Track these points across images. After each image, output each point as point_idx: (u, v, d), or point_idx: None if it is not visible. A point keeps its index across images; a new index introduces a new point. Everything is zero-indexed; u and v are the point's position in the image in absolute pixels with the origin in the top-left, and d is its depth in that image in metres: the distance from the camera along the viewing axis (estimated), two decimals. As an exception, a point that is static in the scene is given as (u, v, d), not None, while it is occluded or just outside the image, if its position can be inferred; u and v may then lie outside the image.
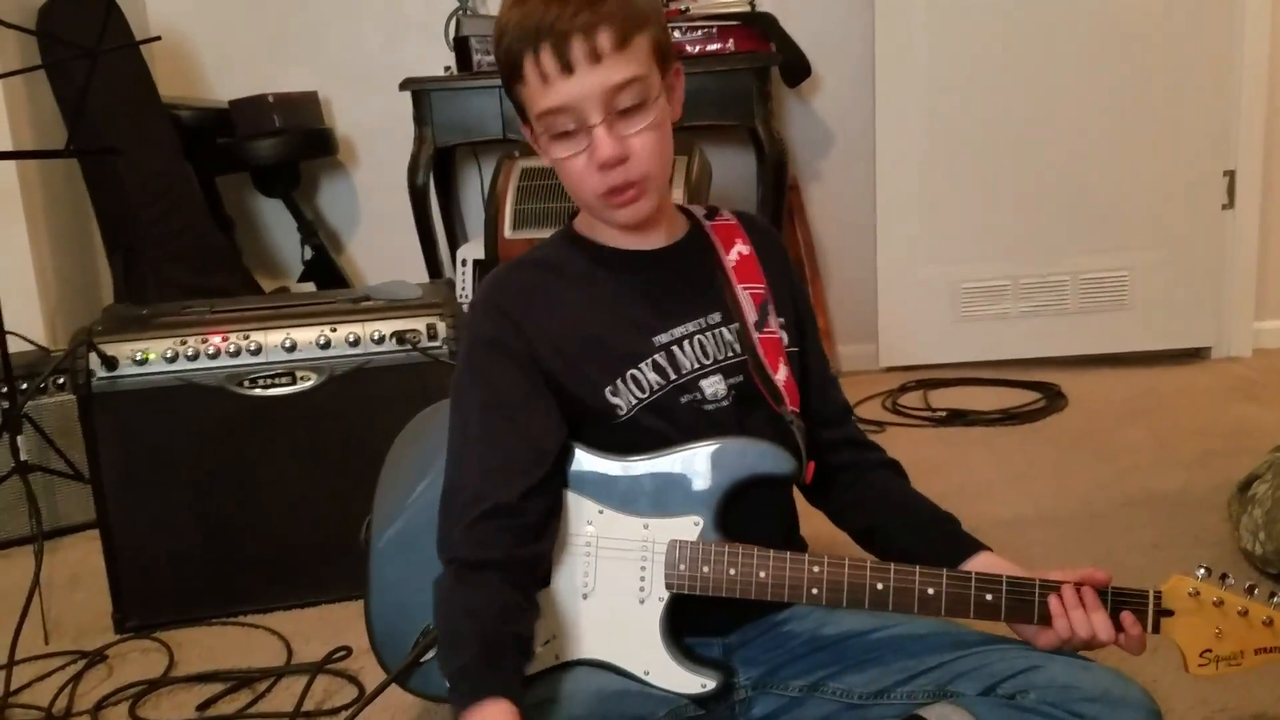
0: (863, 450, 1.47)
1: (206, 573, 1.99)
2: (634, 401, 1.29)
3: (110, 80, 2.91)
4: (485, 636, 1.17)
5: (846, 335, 3.48)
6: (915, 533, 1.37)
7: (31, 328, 2.75)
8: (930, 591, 1.23)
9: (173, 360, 1.93)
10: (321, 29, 3.52)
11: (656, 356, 1.30)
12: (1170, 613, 1.22)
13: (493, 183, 2.91)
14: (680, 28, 3.04)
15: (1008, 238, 3.38)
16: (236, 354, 1.95)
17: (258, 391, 1.97)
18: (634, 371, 1.30)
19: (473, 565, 1.21)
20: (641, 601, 1.27)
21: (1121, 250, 3.36)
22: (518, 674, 1.18)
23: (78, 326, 2.03)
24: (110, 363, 1.91)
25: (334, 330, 1.99)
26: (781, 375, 1.34)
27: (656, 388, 1.30)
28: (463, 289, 3.14)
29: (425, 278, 3.29)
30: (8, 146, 2.81)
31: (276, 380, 1.97)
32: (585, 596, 1.28)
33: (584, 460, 1.30)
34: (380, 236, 3.65)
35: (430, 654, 1.33)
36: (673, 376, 1.30)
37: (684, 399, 1.31)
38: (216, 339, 1.95)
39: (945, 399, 3.16)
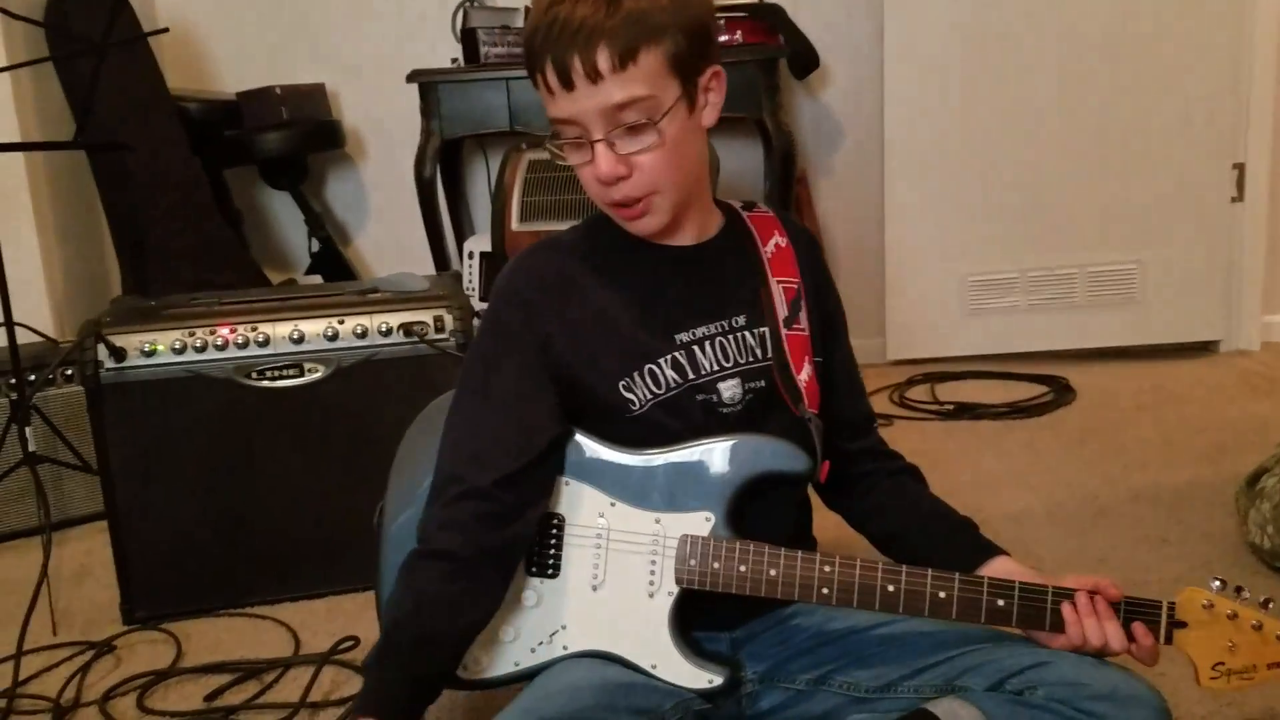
0: (883, 459, 1.47)
1: (214, 564, 1.99)
2: (649, 397, 1.29)
3: (118, 73, 2.91)
4: (388, 635, 1.22)
5: (854, 328, 3.35)
6: (933, 538, 1.37)
7: (40, 319, 2.76)
8: (942, 595, 1.22)
9: (181, 352, 1.94)
10: (329, 21, 3.52)
11: (677, 354, 1.30)
12: (1183, 624, 1.21)
13: (500, 175, 2.91)
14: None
15: (1016, 231, 3.37)
16: (244, 346, 1.96)
17: (265, 383, 1.97)
18: (652, 367, 1.29)
19: (424, 554, 1.24)
20: (651, 595, 1.27)
21: (1130, 243, 3.35)
22: (397, 689, 1.21)
23: (85, 319, 2.03)
24: (119, 354, 1.91)
25: (341, 322, 1.99)
26: (804, 375, 1.34)
27: (674, 385, 1.29)
28: (469, 281, 3.14)
29: (432, 270, 3.29)
30: (16, 139, 2.81)
31: (284, 372, 1.97)
32: (595, 588, 1.28)
33: (596, 452, 1.30)
34: (387, 229, 3.66)
35: None
36: (691, 376, 1.30)
37: (699, 398, 1.30)
38: (224, 331, 1.96)
39: (953, 392, 3.15)
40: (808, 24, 3.23)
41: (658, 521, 1.28)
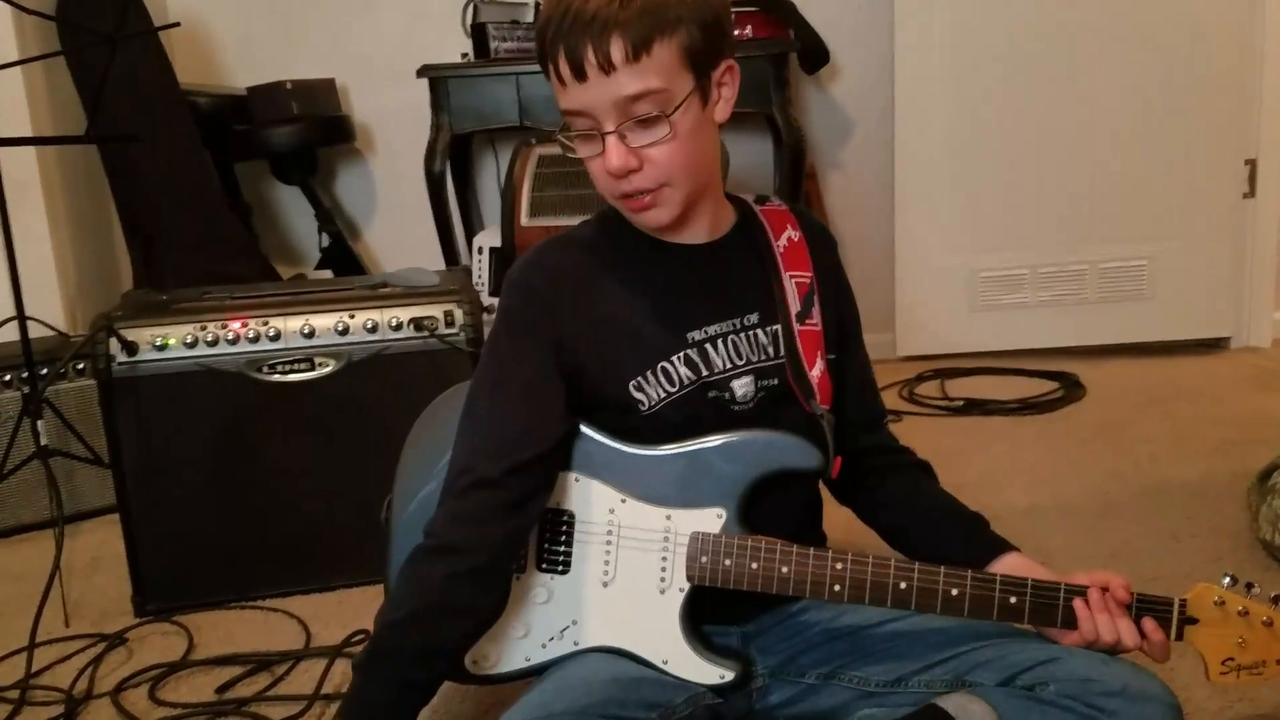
0: (894, 454, 1.46)
1: (225, 557, 2.00)
2: (661, 396, 1.29)
3: (129, 67, 2.91)
4: (380, 638, 1.21)
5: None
6: (943, 533, 1.37)
7: (51, 314, 2.77)
8: (954, 592, 1.22)
9: (192, 346, 1.94)
10: (339, 16, 3.52)
11: (689, 352, 1.29)
12: (1194, 620, 1.21)
13: (509, 170, 2.91)
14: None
15: (1026, 226, 3.37)
16: (256, 340, 1.96)
17: (276, 377, 1.97)
18: (665, 365, 1.29)
19: (429, 549, 1.23)
20: (662, 592, 1.27)
21: (1141, 239, 3.34)
22: (381, 695, 1.20)
23: (97, 313, 2.04)
24: (131, 348, 1.92)
25: (352, 317, 1.99)
26: (817, 371, 1.33)
27: (687, 383, 1.29)
28: (479, 276, 3.14)
29: (442, 265, 3.29)
30: (28, 133, 2.82)
31: (295, 366, 1.98)
32: (605, 585, 1.28)
33: (607, 448, 1.29)
34: (397, 224, 3.66)
35: None
36: (704, 374, 1.29)
37: (711, 395, 1.30)
38: (236, 325, 1.96)
39: (962, 388, 3.15)
40: (818, 18, 3.23)
41: (669, 518, 1.28)
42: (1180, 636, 1.22)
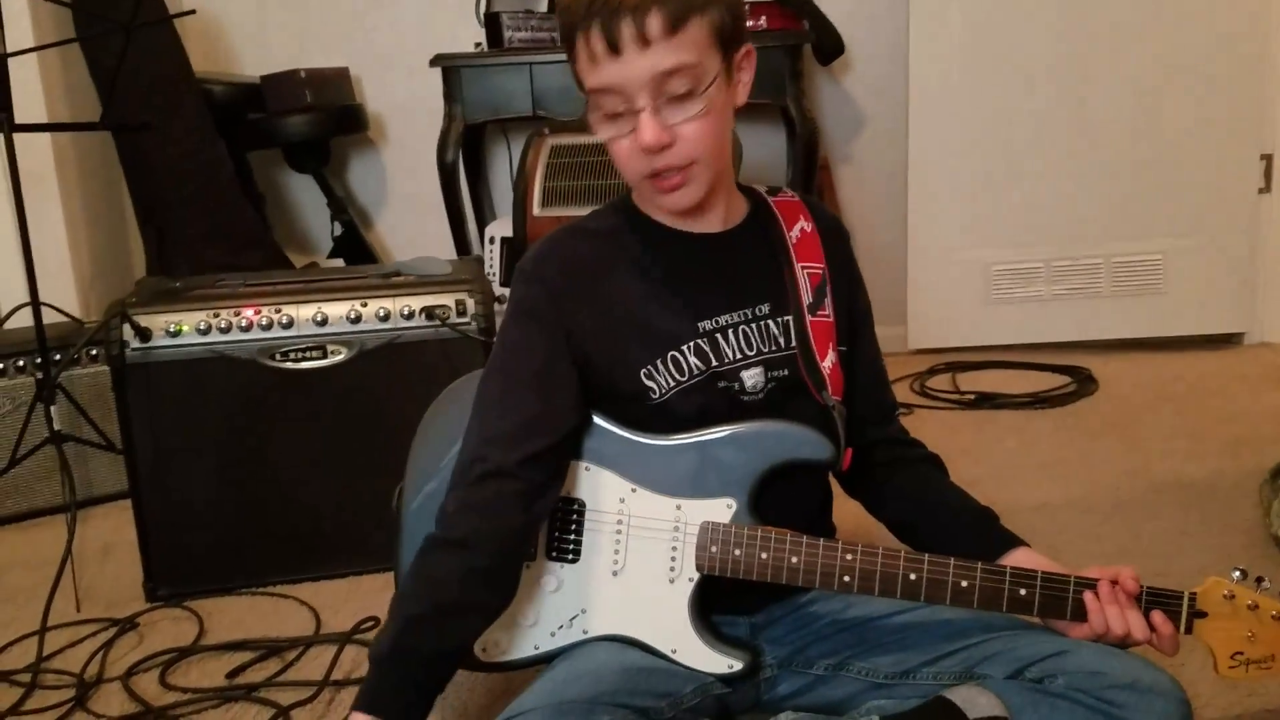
0: (904, 447, 1.46)
1: (236, 543, 2.01)
2: (670, 385, 1.29)
3: (144, 54, 2.92)
4: (401, 633, 1.19)
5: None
6: (952, 527, 1.36)
7: (65, 300, 2.78)
8: (964, 584, 1.22)
9: (205, 333, 1.95)
10: (353, 5, 3.52)
11: (700, 341, 1.30)
12: (1204, 614, 1.21)
13: (522, 160, 2.91)
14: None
15: (1041, 220, 3.35)
16: (268, 327, 1.97)
17: (289, 365, 1.98)
18: (675, 354, 1.29)
19: (440, 541, 1.23)
20: (671, 581, 1.27)
21: (1156, 234, 3.33)
22: (401, 690, 1.19)
23: (111, 299, 2.04)
24: (144, 334, 1.93)
25: (364, 305, 1.99)
26: (828, 362, 1.33)
27: (697, 372, 1.29)
28: (491, 266, 3.14)
29: (453, 255, 3.29)
30: (43, 120, 2.83)
31: (307, 354, 1.98)
32: (615, 574, 1.29)
33: (618, 438, 1.30)
34: (409, 213, 3.66)
35: None
36: (714, 363, 1.30)
37: (721, 385, 1.30)
38: (249, 312, 1.97)
39: (974, 382, 3.14)
40: (833, 10, 3.22)
41: (679, 508, 1.28)
42: (1190, 630, 1.22)
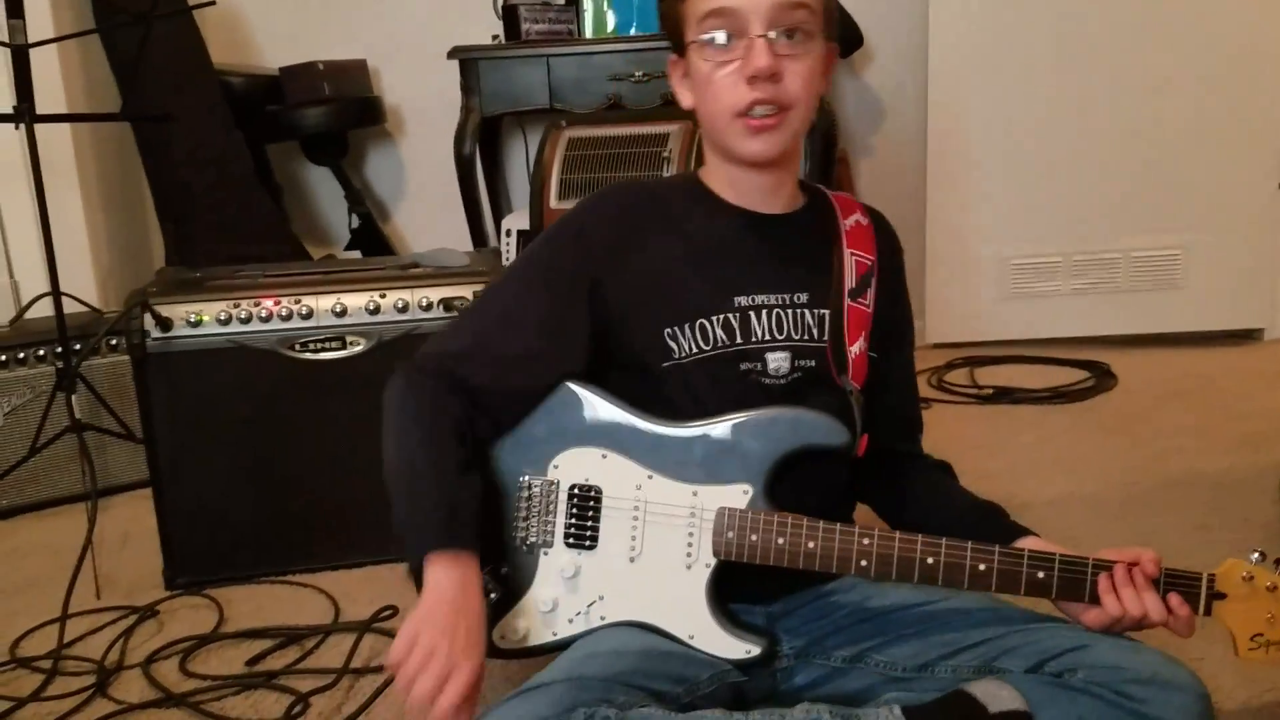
0: (918, 459, 1.47)
1: (255, 532, 2.02)
2: (693, 351, 1.30)
3: (163, 46, 2.93)
4: (446, 488, 1.23)
5: None
6: (959, 522, 1.36)
7: (85, 290, 2.79)
8: (981, 568, 1.22)
9: (226, 323, 1.96)
10: (371, -3, 3.53)
11: (730, 316, 1.31)
12: (1222, 596, 1.21)
13: (539, 152, 2.91)
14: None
15: (1059, 215, 3.34)
16: (288, 318, 1.97)
17: (308, 355, 1.99)
18: (704, 322, 1.30)
19: (397, 407, 1.31)
20: (688, 567, 1.28)
21: (1174, 229, 3.31)
22: (475, 527, 1.22)
23: (130, 289, 2.05)
24: (165, 324, 1.93)
25: (383, 296, 2.00)
26: (856, 349, 1.34)
27: (721, 345, 1.30)
28: (507, 259, 3.14)
29: (470, 247, 3.30)
30: (62, 110, 2.85)
31: (326, 345, 1.99)
32: (633, 560, 1.29)
33: (634, 424, 1.30)
34: (426, 206, 3.67)
35: None
36: (739, 340, 1.31)
37: (743, 366, 1.31)
38: (269, 303, 1.97)
39: (992, 376, 3.13)
40: (852, 3, 3.21)
41: (695, 494, 1.28)
42: (1209, 612, 1.21)
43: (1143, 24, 3.19)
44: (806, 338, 1.33)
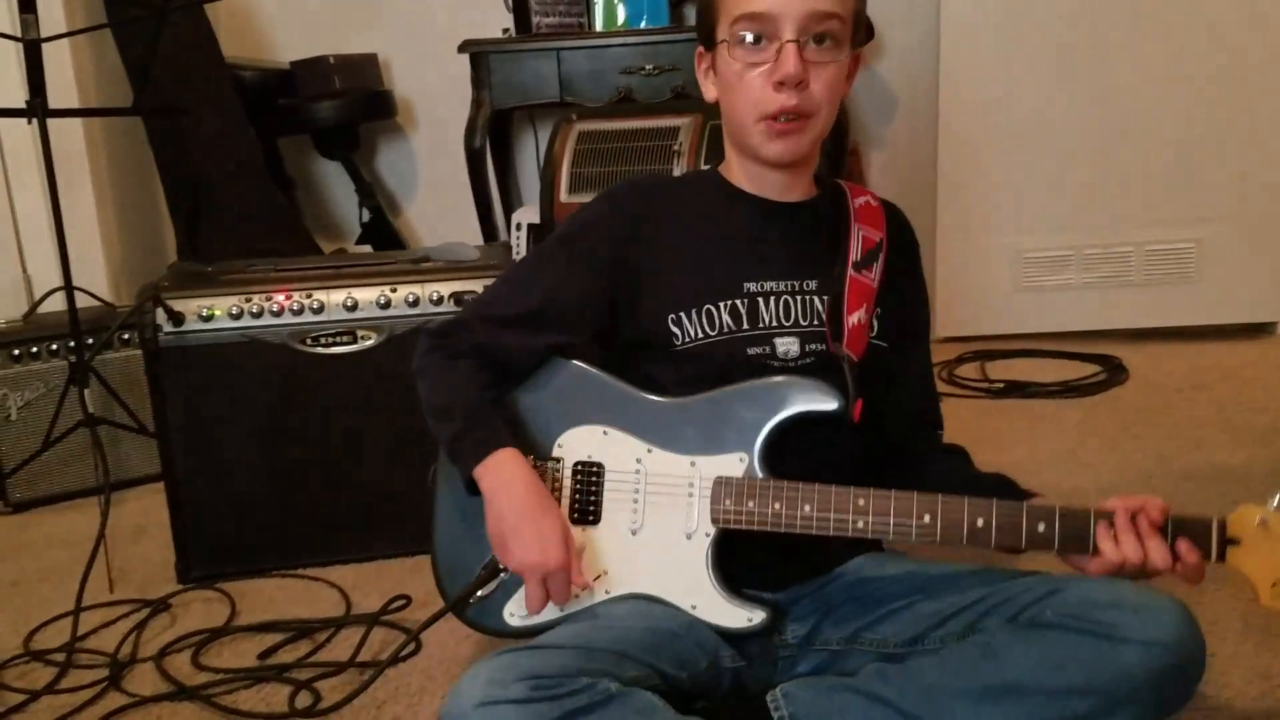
0: (937, 449, 1.47)
1: (267, 526, 2.02)
2: (698, 335, 1.32)
3: (175, 40, 2.93)
4: (470, 405, 1.31)
5: None
6: (966, 488, 1.35)
7: (97, 284, 2.80)
8: (980, 523, 1.22)
9: (238, 317, 1.96)
10: (382, -9, 3.53)
11: (738, 302, 1.32)
12: (1236, 542, 1.18)
13: (549, 146, 2.91)
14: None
15: (1072, 207, 3.32)
16: (300, 312, 1.98)
17: (319, 349, 1.99)
18: (710, 307, 1.32)
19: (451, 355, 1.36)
20: (689, 537, 1.30)
21: (1189, 222, 3.29)
22: (507, 427, 1.31)
23: (142, 284, 2.06)
24: (177, 318, 1.94)
25: (394, 290, 2.00)
26: (855, 319, 1.34)
27: (727, 330, 1.32)
28: (518, 252, 3.15)
29: (480, 241, 3.30)
30: (75, 105, 2.85)
31: (338, 339, 1.99)
32: (635, 533, 1.31)
33: (632, 398, 1.33)
34: (436, 199, 3.68)
35: (491, 586, 1.37)
36: (746, 325, 1.32)
37: (751, 350, 1.32)
38: (280, 297, 1.98)
39: (1003, 370, 3.12)
40: (862, -5, 3.20)
41: (693, 464, 1.30)
42: (1223, 558, 1.18)
43: (1156, 15, 3.17)
44: (816, 323, 1.34)
